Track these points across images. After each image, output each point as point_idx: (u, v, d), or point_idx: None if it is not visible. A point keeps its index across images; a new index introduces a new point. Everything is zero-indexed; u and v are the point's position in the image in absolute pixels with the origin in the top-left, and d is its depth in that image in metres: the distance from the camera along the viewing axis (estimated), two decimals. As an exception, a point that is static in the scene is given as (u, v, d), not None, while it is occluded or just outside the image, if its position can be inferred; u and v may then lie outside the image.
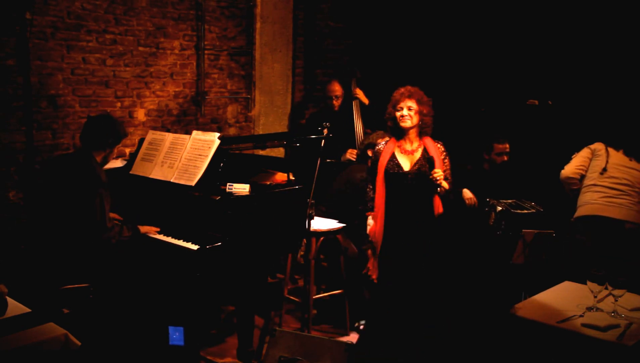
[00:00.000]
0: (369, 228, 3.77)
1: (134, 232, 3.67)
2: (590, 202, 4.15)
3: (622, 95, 4.97)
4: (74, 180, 3.55)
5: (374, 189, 3.74)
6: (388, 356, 3.74)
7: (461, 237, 4.72)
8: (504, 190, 4.64)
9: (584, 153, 4.33)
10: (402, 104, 3.66)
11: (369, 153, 4.40)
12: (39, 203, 3.90)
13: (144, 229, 3.76)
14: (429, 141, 3.72)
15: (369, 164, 3.90)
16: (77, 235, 3.50)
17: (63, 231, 3.53)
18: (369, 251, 3.76)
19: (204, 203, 3.64)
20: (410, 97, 3.66)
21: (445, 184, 3.63)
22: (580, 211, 4.19)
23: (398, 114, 3.66)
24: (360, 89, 5.50)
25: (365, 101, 5.43)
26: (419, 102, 3.66)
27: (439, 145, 3.73)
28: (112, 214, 3.83)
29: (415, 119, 3.66)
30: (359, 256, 4.40)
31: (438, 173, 3.54)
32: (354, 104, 5.40)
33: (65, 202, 3.54)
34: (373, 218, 3.76)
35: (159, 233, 3.74)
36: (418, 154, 3.68)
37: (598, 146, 4.28)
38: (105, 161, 3.73)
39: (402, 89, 3.72)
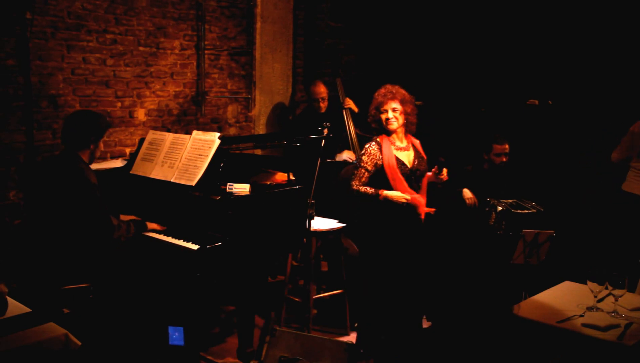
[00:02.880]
0: (397, 196, 3.59)
1: (137, 229, 3.67)
2: (627, 179, 4.85)
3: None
4: (65, 186, 3.49)
5: (395, 187, 3.60)
6: (387, 355, 3.74)
7: (461, 237, 4.72)
8: (504, 190, 4.65)
9: (626, 138, 4.84)
10: (386, 106, 3.64)
11: None
12: (36, 204, 3.87)
13: (151, 225, 3.77)
14: (412, 138, 3.79)
15: (362, 171, 3.68)
16: (84, 237, 3.49)
17: (64, 232, 3.52)
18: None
19: (205, 203, 3.64)
20: (393, 98, 3.64)
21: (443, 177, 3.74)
22: (622, 185, 4.90)
23: (383, 117, 3.65)
24: (343, 84, 5.49)
25: (355, 109, 5.42)
26: (402, 102, 3.65)
27: (418, 141, 3.82)
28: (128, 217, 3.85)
29: (401, 120, 3.68)
30: (359, 256, 4.40)
31: (445, 172, 3.68)
32: (345, 113, 5.37)
33: (60, 205, 3.52)
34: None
35: (160, 232, 3.74)
36: (412, 152, 3.73)
37: (635, 129, 4.77)
38: (93, 158, 3.66)
39: (383, 90, 3.68)
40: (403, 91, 3.70)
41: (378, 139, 3.71)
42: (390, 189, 3.62)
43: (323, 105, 5.34)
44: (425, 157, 3.79)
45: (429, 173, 3.77)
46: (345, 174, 4.68)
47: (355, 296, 4.39)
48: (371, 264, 3.77)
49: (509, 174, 4.85)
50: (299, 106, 6.15)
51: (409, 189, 3.64)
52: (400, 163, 3.65)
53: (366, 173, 3.66)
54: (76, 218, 3.49)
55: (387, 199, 3.60)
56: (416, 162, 3.70)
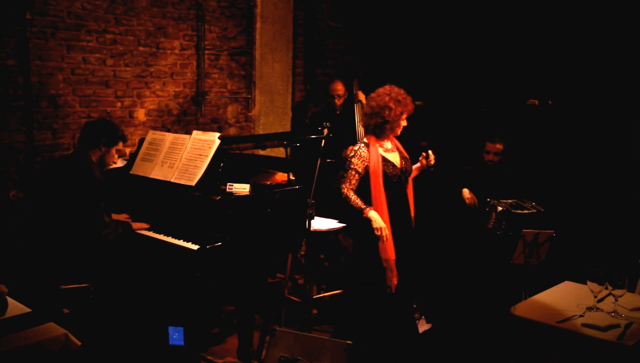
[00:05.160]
0: (377, 223, 3.53)
1: (125, 229, 3.68)
2: None
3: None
4: (70, 178, 3.58)
5: (374, 194, 3.60)
6: (387, 355, 3.74)
7: (461, 237, 4.72)
8: (504, 190, 4.65)
9: None
10: (404, 116, 3.67)
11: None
12: (39, 203, 3.92)
13: (136, 225, 3.79)
14: (395, 139, 3.83)
15: (352, 173, 3.64)
16: (76, 232, 3.52)
17: (63, 229, 3.55)
18: (387, 261, 3.59)
19: (205, 203, 3.65)
20: (409, 110, 3.69)
21: (432, 161, 3.79)
22: None
23: (402, 123, 3.69)
24: (362, 89, 5.50)
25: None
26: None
27: (398, 142, 3.86)
28: (122, 216, 3.86)
29: None
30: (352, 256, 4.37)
31: (432, 155, 3.74)
32: (356, 107, 5.41)
33: (63, 200, 3.57)
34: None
35: (159, 232, 3.74)
36: (397, 153, 3.76)
37: None
38: (103, 161, 3.73)
39: (407, 99, 3.67)
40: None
41: (366, 141, 3.70)
42: (369, 192, 3.62)
43: (338, 102, 5.43)
44: (408, 156, 3.81)
45: (417, 164, 3.84)
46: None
47: (352, 296, 4.39)
48: (367, 265, 3.75)
49: (509, 174, 4.85)
50: (307, 106, 6.18)
51: (384, 198, 3.60)
52: (389, 164, 3.66)
53: (357, 176, 3.63)
54: (71, 209, 3.52)
55: (368, 219, 3.57)
56: (403, 163, 3.73)
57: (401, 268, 3.66)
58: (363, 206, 3.58)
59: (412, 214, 3.81)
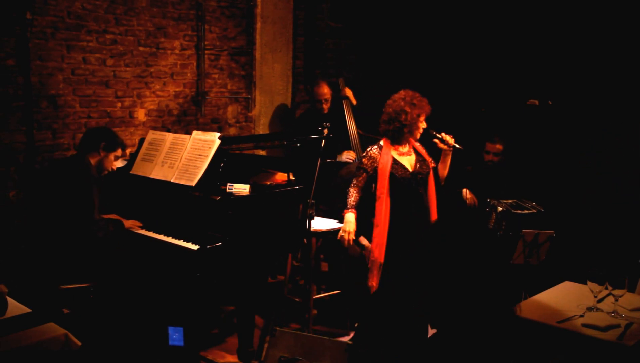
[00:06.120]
0: (346, 226, 3.63)
1: (116, 227, 3.70)
2: None
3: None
4: (68, 176, 3.63)
5: (378, 194, 3.62)
6: (387, 356, 3.74)
7: (461, 237, 4.72)
8: (504, 190, 4.64)
9: None
10: (422, 119, 3.67)
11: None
12: (39, 203, 3.94)
13: (128, 223, 3.80)
14: (415, 142, 3.79)
15: (360, 172, 3.70)
16: (68, 230, 3.55)
17: (59, 228, 3.57)
18: (373, 262, 3.60)
19: (205, 203, 3.65)
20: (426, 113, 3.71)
21: (450, 140, 3.72)
22: None
23: (421, 126, 3.68)
24: (354, 89, 5.48)
25: (354, 101, 5.41)
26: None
27: (419, 144, 3.82)
28: (111, 215, 3.88)
29: None
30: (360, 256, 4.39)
31: (446, 135, 3.69)
32: (344, 103, 5.37)
33: (60, 199, 3.60)
34: (375, 225, 3.63)
35: (159, 232, 3.74)
36: (413, 155, 3.73)
37: None
38: (101, 166, 3.78)
39: (423, 101, 3.68)
40: None
41: (382, 143, 3.73)
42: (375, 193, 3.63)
43: (326, 106, 5.34)
44: (429, 159, 3.78)
45: (441, 154, 3.79)
46: (346, 173, 4.68)
47: (354, 297, 4.39)
48: (366, 265, 3.75)
49: (509, 174, 4.85)
50: (299, 106, 6.15)
51: (386, 200, 3.59)
52: (399, 167, 3.64)
53: (364, 174, 3.69)
54: (66, 207, 3.56)
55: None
56: (418, 165, 3.69)
57: (401, 271, 3.66)
58: (347, 206, 3.67)
59: (433, 218, 3.74)
